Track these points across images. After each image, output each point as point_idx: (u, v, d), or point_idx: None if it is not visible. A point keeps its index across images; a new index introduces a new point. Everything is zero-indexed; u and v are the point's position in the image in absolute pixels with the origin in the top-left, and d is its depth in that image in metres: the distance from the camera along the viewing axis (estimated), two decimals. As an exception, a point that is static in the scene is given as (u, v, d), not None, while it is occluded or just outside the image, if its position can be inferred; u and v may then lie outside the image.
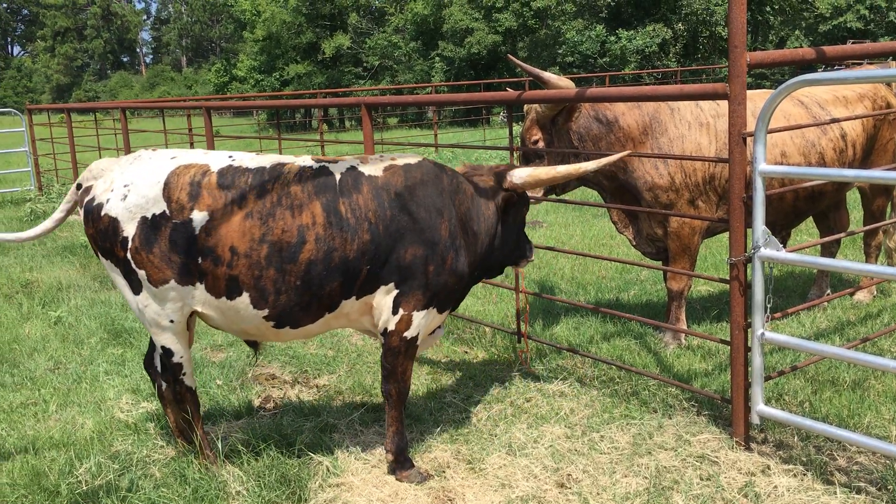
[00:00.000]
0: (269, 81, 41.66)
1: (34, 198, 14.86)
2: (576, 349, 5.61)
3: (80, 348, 6.43)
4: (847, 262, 4.27)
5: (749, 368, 4.15)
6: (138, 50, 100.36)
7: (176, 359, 4.06)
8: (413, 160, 4.14)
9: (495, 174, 4.35)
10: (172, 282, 3.83)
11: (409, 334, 4.07)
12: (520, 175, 4.27)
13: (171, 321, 3.94)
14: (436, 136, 22.72)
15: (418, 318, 4.06)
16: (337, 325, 4.19)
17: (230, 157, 3.95)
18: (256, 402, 5.18)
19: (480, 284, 7.49)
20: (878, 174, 4.07)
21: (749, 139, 4.09)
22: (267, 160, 3.96)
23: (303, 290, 3.86)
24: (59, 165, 16.58)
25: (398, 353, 4.10)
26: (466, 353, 5.94)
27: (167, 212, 3.76)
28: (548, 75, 5.09)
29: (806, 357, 4.96)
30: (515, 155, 5.78)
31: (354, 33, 41.43)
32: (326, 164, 4.00)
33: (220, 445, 4.29)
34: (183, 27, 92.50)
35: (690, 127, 5.61)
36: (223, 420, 4.91)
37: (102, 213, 3.82)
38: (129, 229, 3.79)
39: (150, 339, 4.33)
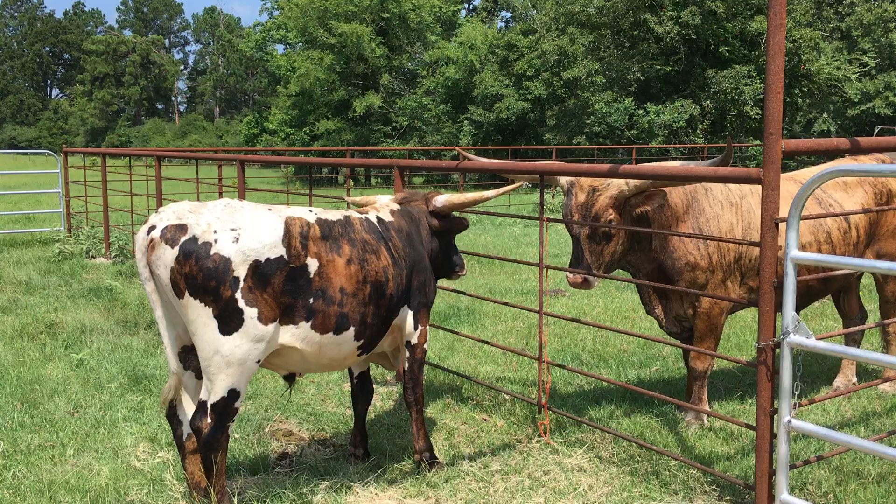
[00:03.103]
0: (299, 135, 42.30)
1: (63, 238, 15.07)
2: (596, 423, 5.56)
3: (100, 392, 6.45)
4: (876, 354, 4.23)
5: (774, 455, 4.09)
6: (173, 98, 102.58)
7: (237, 402, 4.13)
8: (393, 204, 5.09)
9: (425, 199, 5.26)
10: (277, 321, 4.14)
11: (426, 345, 5.03)
12: (440, 200, 5.23)
13: (258, 361, 4.14)
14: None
15: (427, 330, 5.02)
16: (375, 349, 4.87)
17: (311, 211, 4.45)
18: (273, 458, 5.16)
19: (500, 352, 7.49)
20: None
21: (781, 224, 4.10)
22: (338, 214, 4.59)
23: (384, 320, 4.63)
24: (89, 208, 16.82)
25: (420, 362, 5.02)
26: (485, 420, 5.90)
27: (285, 257, 4.12)
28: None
29: (831, 447, 4.88)
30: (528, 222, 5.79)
31: (386, 93, 42.17)
32: (367, 215, 4.79)
33: (235, 501, 4.26)
34: (218, 78, 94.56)
35: (723, 207, 5.64)
36: (239, 475, 4.89)
37: (212, 252, 3.95)
38: (242, 270, 3.99)
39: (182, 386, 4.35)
